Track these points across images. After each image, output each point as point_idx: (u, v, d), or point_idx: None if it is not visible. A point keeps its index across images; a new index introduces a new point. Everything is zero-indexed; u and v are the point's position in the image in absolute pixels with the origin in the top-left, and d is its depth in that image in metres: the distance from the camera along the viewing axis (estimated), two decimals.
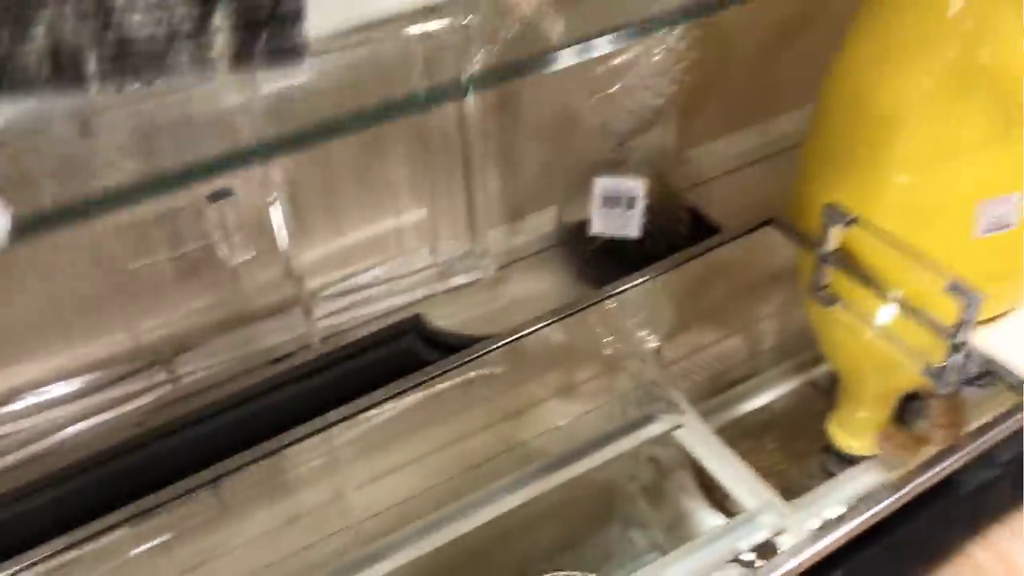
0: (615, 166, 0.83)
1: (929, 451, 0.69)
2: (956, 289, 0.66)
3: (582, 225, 0.83)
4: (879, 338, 0.75)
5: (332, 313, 0.75)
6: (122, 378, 0.70)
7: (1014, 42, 0.68)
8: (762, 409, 0.90)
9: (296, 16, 0.33)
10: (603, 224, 0.81)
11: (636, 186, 0.80)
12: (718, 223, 0.89)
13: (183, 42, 0.33)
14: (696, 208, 0.91)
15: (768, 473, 0.88)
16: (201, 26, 0.32)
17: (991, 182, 0.73)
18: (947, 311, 0.69)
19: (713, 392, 0.89)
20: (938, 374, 0.71)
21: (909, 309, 0.72)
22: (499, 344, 0.70)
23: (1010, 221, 0.74)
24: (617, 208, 0.80)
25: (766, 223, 0.80)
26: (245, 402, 0.66)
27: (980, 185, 0.73)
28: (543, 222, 0.89)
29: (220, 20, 0.33)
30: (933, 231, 0.74)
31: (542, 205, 0.88)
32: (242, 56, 0.33)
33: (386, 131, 0.73)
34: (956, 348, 0.68)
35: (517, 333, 0.72)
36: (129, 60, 0.32)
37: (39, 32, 0.31)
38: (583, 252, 0.85)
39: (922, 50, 0.70)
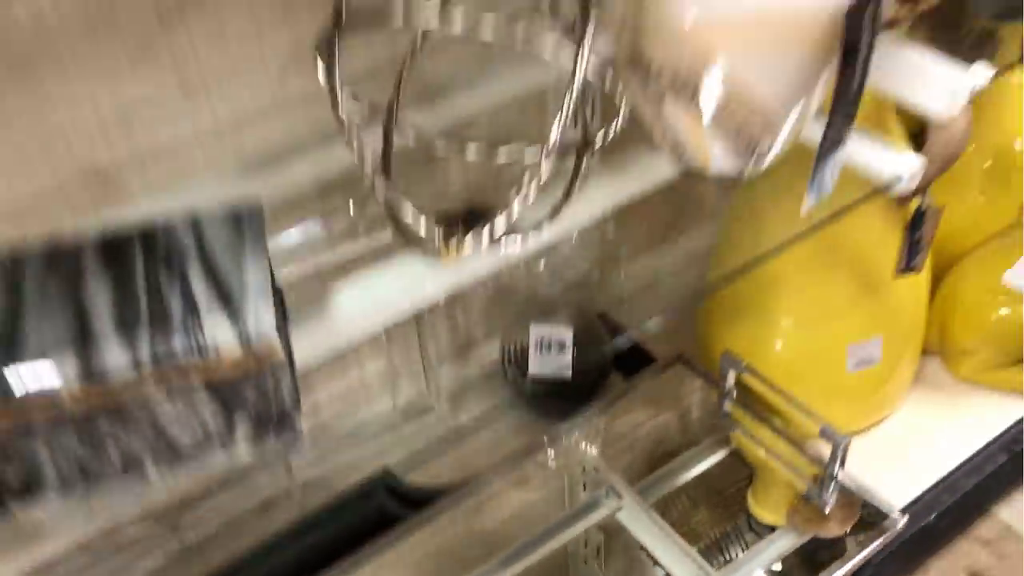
0: (547, 300, 0.96)
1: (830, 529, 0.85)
2: (826, 434, 0.81)
3: (523, 351, 0.96)
4: (770, 459, 0.90)
5: (309, 465, 0.87)
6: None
7: (867, 227, 0.82)
8: (692, 481, 1.05)
9: (292, 416, 0.45)
10: (539, 366, 0.94)
11: (566, 332, 0.93)
12: (641, 342, 1.03)
13: (214, 441, 0.45)
14: (619, 325, 1.04)
15: (697, 538, 1.05)
16: (227, 430, 0.45)
17: (856, 330, 0.88)
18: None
19: (649, 468, 1.03)
20: (817, 493, 0.86)
21: (792, 441, 0.87)
22: (462, 497, 0.84)
23: (874, 359, 0.89)
24: (550, 353, 0.93)
25: (678, 358, 0.94)
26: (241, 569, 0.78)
27: (848, 333, 0.88)
28: (488, 351, 1.02)
29: (240, 425, 0.45)
30: (814, 368, 0.89)
31: (486, 338, 1.01)
32: (256, 443, 0.45)
33: None
34: (829, 477, 0.83)
35: (477, 483, 0.85)
36: (176, 456, 0.44)
37: (112, 449, 0.43)
38: (522, 381, 0.98)
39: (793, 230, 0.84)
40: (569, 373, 0.95)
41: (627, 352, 1.02)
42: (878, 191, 0.64)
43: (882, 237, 0.84)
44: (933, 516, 0.90)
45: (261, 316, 0.41)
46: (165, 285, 0.42)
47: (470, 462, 0.90)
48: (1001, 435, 0.95)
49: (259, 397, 0.44)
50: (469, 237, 0.52)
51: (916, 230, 0.83)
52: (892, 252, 0.84)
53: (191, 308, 0.41)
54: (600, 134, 0.60)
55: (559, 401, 0.95)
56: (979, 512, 0.98)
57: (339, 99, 0.49)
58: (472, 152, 0.64)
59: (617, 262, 1.08)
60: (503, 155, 0.64)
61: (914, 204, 0.82)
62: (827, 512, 0.91)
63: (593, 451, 1.00)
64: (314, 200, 0.65)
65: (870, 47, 0.50)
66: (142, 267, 0.44)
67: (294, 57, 0.66)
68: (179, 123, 0.66)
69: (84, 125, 0.62)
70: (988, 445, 0.94)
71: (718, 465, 1.07)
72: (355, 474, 0.89)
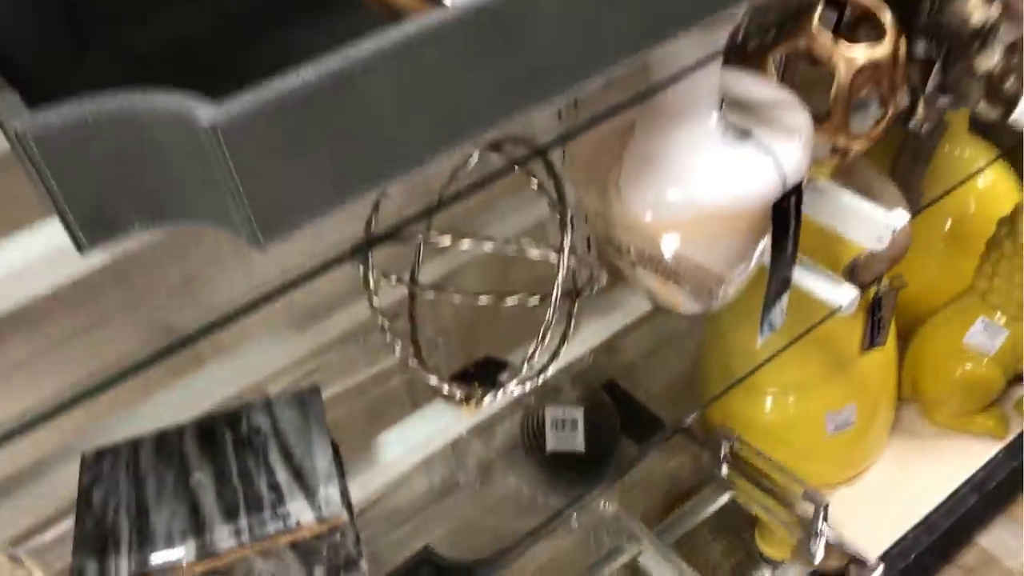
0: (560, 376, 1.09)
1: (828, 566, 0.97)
2: (808, 496, 0.93)
3: (540, 427, 1.09)
4: (763, 514, 1.02)
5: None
6: None
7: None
8: (706, 520, 1.16)
9: (356, 561, 0.58)
10: (555, 443, 1.06)
11: (577, 412, 1.06)
12: (647, 407, 1.15)
13: None
14: (627, 392, 1.17)
15: (714, 571, 1.16)
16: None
17: (832, 399, 1.00)
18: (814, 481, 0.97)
19: (665, 507, 1.14)
20: (804, 547, 0.97)
21: (781, 500, 0.99)
22: (497, 568, 0.96)
23: (850, 422, 1.01)
24: (564, 430, 1.06)
25: (678, 430, 1.06)
26: None
27: (825, 402, 1.00)
28: (510, 427, 1.14)
29: (317, 573, 0.57)
30: (797, 433, 1.01)
31: (508, 415, 1.14)
32: None
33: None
34: (815, 534, 0.95)
35: (510, 555, 0.98)
36: None
37: None
38: (542, 455, 1.11)
39: None
40: (583, 447, 1.07)
41: (635, 417, 1.14)
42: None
43: (848, 319, 0.95)
44: (913, 556, 1.01)
45: (331, 496, 0.54)
46: (254, 472, 0.56)
47: (500, 531, 1.03)
48: (973, 476, 1.07)
49: (331, 550, 0.56)
50: (486, 396, 0.65)
51: (876, 312, 0.94)
52: (858, 330, 0.96)
53: (278, 495, 0.54)
54: (588, 283, 0.73)
55: (576, 470, 1.08)
56: (958, 545, 1.10)
57: (373, 299, 0.62)
58: (483, 299, 0.76)
59: (621, 334, 1.20)
60: (510, 301, 0.76)
61: (872, 291, 0.93)
62: (816, 563, 1.03)
63: (612, 507, 1.13)
64: (358, 345, 0.78)
65: (796, 225, 0.63)
66: (232, 452, 0.57)
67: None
68: (236, 285, 0.79)
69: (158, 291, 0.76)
70: (961, 487, 1.06)
71: (729, 503, 1.18)
72: (400, 552, 1.02)
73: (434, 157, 0.45)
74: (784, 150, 0.61)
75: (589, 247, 0.83)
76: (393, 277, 0.69)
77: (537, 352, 0.65)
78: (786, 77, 0.81)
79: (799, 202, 0.61)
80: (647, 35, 0.49)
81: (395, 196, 0.68)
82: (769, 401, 1.01)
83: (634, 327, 1.22)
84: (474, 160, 0.71)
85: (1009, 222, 1.03)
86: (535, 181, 0.67)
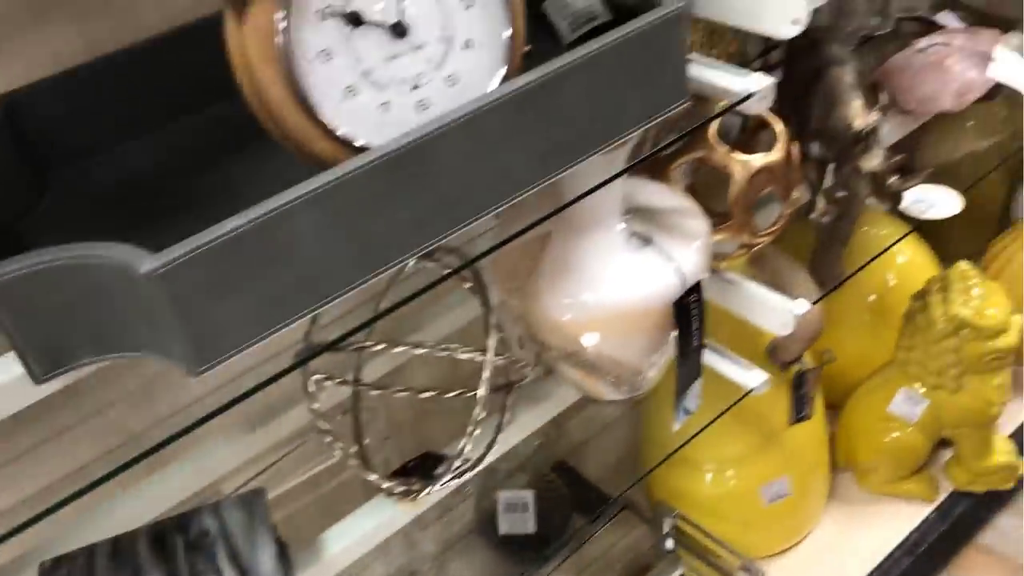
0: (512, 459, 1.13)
1: None
2: (745, 568, 0.97)
3: (494, 510, 1.13)
4: None
5: None
6: None
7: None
8: None
9: None
10: (508, 525, 1.10)
11: (527, 495, 1.10)
12: (596, 485, 1.20)
13: None
14: (577, 472, 1.21)
15: None
16: None
17: (766, 472, 1.05)
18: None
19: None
20: None
21: (725, 573, 1.03)
22: None
23: (784, 493, 1.06)
24: (516, 512, 1.10)
25: (624, 507, 1.11)
26: None
27: (759, 475, 1.05)
28: (464, 511, 1.18)
29: None
30: (735, 505, 1.06)
31: (463, 499, 1.18)
32: None
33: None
34: None
35: None
36: None
37: None
38: (496, 537, 1.15)
39: None
40: (534, 528, 1.11)
41: (586, 495, 1.18)
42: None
43: (775, 395, 1.01)
44: None
45: None
46: (204, 574, 0.60)
47: None
48: (905, 539, 1.12)
49: None
50: (425, 491, 0.69)
51: (800, 389, 1.00)
52: (785, 405, 1.02)
53: None
54: (521, 377, 0.78)
55: (530, 549, 1.11)
56: None
57: (313, 404, 0.67)
58: (424, 395, 0.81)
59: (567, 415, 1.25)
60: (449, 396, 0.81)
61: (794, 369, 1.00)
62: None
63: None
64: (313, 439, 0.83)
65: (700, 320, 0.69)
66: (183, 556, 0.61)
67: None
68: (192, 388, 0.84)
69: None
70: (895, 550, 1.11)
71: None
72: None
73: (357, 285, 0.51)
74: (682, 255, 0.67)
75: (522, 343, 0.88)
76: (335, 380, 0.74)
77: (467, 446, 0.70)
78: (698, 179, 0.89)
79: (699, 300, 0.68)
80: (546, 168, 0.55)
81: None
82: (708, 476, 1.06)
83: (579, 408, 1.28)
84: (411, 268, 0.77)
85: (922, 296, 1.10)
86: (468, 285, 0.73)
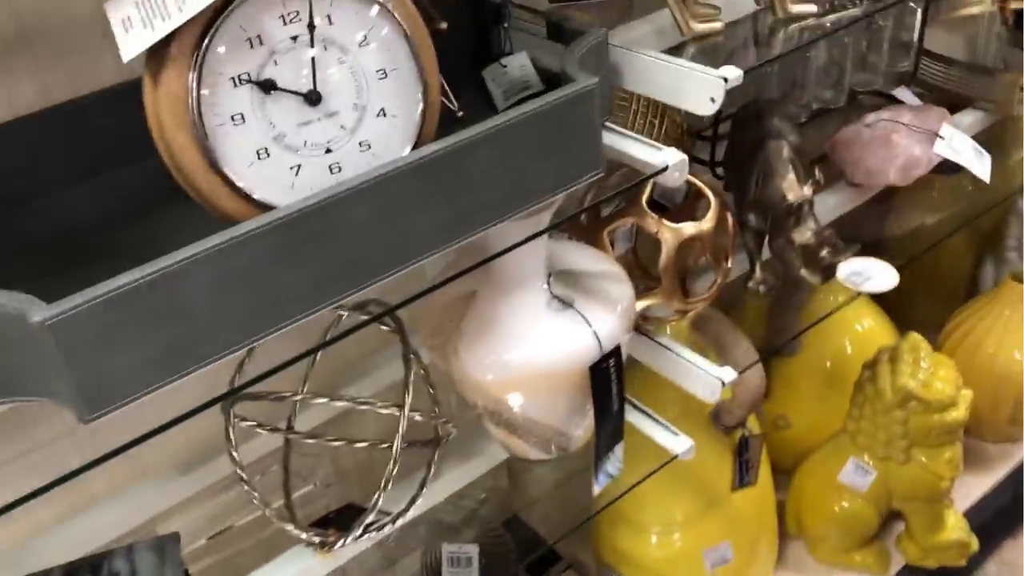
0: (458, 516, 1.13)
1: None
2: None
3: (439, 565, 1.12)
4: None
5: None
6: None
7: (703, 455, 1.01)
8: None
9: None
10: None
11: (472, 549, 1.10)
12: (547, 541, 1.19)
13: None
14: (529, 527, 1.21)
15: None
16: None
17: (708, 537, 1.05)
18: None
19: None
20: None
21: None
22: None
23: (727, 558, 1.05)
24: (459, 567, 1.10)
25: (569, 567, 1.10)
26: None
27: (701, 540, 1.05)
28: (410, 563, 1.18)
29: None
30: (680, 570, 1.05)
31: (408, 553, 1.18)
32: None
33: None
34: None
35: None
36: None
37: None
38: None
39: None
40: None
41: (534, 550, 1.18)
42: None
43: (719, 460, 1.02)
44: None
45: None
46: None
47: None
48: None
49: None
50: (339, 542, 0.70)
51: (743, 454, 1.01)
52: (729, 470, 1.02)
53: None
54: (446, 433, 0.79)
55: None
56: None
57: (233, 453, 0.68)
58: (360, 446, 0.82)
59: (519, 473, 1.25)
60: (361, 444, 0.81)
61: (738, 434, 1.00)
62: None
63: None
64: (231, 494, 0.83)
65: (620, 384, 0.70)
66: None
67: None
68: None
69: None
70: None
71: None
72: None
73: (256, 340, 0.52)
74: (601, 319, 0.69)
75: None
76: (266, 428, 0.75)
77: (380, 500, 0.70)
78: (640, 242, 0.90)
79: (619, 364, 0.69)
80: (452, 233, 0.57)
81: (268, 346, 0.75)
82: (654, 538, 1.06)
83: (537, 462, 1.27)
84: (344, 318, 0.79)
85: (872, 366, 1.11)
86: (399, 338, 0.75)
